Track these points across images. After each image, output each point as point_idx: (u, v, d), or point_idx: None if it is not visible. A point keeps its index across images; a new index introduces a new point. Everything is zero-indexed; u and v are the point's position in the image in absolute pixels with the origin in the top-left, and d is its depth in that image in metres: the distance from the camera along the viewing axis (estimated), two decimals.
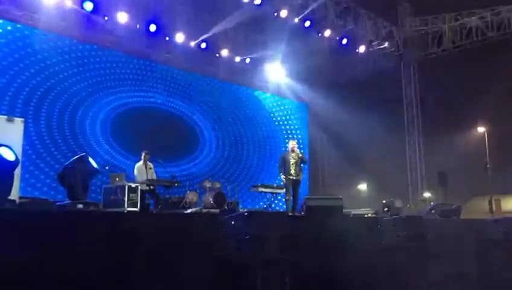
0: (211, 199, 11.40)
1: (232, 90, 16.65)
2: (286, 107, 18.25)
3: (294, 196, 9.44)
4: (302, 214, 7.89)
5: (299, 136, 18.22)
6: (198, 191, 11.92)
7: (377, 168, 17.10)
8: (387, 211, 10.19)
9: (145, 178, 10.17)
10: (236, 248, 5.61)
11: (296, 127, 18.34)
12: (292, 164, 9.38)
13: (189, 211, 10.00)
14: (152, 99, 14.38)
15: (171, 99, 14.90)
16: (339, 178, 18.53)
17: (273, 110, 17.87)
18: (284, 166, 9.48)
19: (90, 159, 7.82)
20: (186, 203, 10.95)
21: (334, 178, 18.81)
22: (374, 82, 16.83)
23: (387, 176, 16.96)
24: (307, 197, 8.08)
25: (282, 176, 9.39)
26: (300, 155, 9.47)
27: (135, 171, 10.40)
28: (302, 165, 9.61)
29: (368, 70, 17.60)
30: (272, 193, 12.25)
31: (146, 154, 10.46)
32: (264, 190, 11.94)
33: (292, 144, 9.62)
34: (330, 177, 19.05)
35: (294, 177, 9.40)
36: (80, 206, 7.14)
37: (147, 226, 5.97)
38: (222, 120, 16.15)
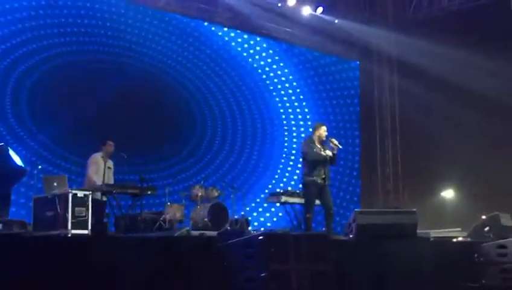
0: (205, 215, 11.48)
1: (229, 41, 16.59)
2: (324, 68, 18.12)
3: (327, 208, 9.52)
4: (350, 238, 7.89)
5: (345, 115, 18.13)
6: (184, 202, 11.98)
7: (472, 163, 16.93)
8: (489, 231, 10.14)
9: (101, 180, 10.28)
10: None
11: (341, 101, 18.25)
12: (319, 161, 9.55)
13: (169, 233, 10.04)
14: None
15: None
16: (410, 180, 18.43)
17: (304, 73, 17.77)
18: (307, 163, 9.61)
19: (12, 153, 7.87)
20: (165, 221, 11.05)
21: (402, 180, 18.72)
22: (471, 19, 16.51)
23: (490, 175, 16.74)
24: (358, 210, 8.12)
25: (310, 178, 9.45)
26: (333, 147, 9.55)
27: (90, 166, 10.50)
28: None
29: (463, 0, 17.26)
30: (303, 205, 12.32)
31: (109, 145, 10.57)
32: (289, 200, 11.96)
33: (322, 130, 9.78)
34: (395, 180, 18.96)
35: (322, 181, 9.54)
36: None
37: (105, 259, 6.01)
38: (214, 92, 16.19)
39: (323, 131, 9.76)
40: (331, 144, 9.63)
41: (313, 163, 9.52)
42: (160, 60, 15.06)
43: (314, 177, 9.42)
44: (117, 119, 13.33)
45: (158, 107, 14.55)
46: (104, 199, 10.22)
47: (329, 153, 9.59)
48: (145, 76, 14.55)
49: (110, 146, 10.62)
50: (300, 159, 10.09)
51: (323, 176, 9.48)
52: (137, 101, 14.07)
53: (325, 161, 9.57)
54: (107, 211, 10.40)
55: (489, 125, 16.41)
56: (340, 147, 9.71)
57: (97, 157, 10.58)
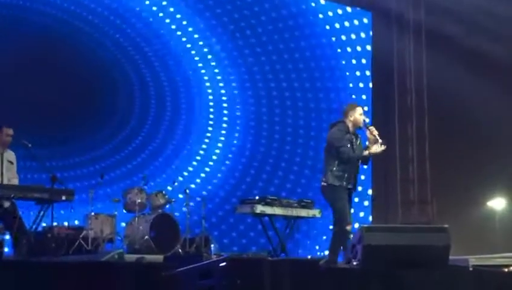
0: (145, 232, 11.57)
1: None
2: (319, 23, 18.10)
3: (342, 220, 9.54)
4: (353, 265, 7.98)
5: (351, 91, 18.14)
6: (116, 213, 12.06)
7: None
8: None
9: None
10: None
11: (345, 71, 18.20)
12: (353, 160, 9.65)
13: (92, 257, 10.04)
14: None
15: None
16: (443, 186, 18.55)
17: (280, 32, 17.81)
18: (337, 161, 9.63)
19: None
20: (87, 240, 11.12)
21: (431, 185, 18.83)
22: None
23: None
24: (365, 226, 8.16)
25: (338, 182, 9.45)
26: (370, 139, 9.55)
27: None
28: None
29: None
30: (288, 219, 12.48)
31: (5, 134, 10.45)
32: (267, 210, 12.07)
33: (358, 112, 9.70)
34: (421, 184, 19.07)
35: (352, 188, 9.63)
36: None
37: None
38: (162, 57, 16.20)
39: (359, 115, 9.62)
40: (368, 135, 9.56)
41: (344, 162, 9.52)
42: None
43: (344, 182, 9.46)
44: (17, 94, 13.41)
45: (77, 75, 14.58)
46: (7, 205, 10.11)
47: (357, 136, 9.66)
48: (55, 31, 14.55)
49: (7, 135, 10.41)
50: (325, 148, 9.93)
51: (354, 181, 9.58)
52: (47, 67, 14.06)
53: (358, 160, 9.66)
54: (1, 224, 10.34)
55: None
56: (380, 141, 9.50)
57: None
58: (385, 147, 9.53)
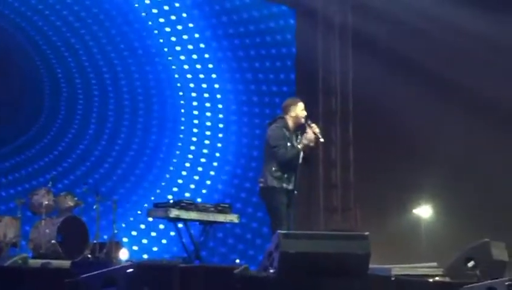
0: (52, 236, 11.48)
1: None
2: (236, 15, 17.95)
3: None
4: (269, 273, 7.97)
5: (271, 91, 18.16)
6: (20, 215, 11.89)
7: (457, 169, 17.33)
8: (474, 268, 10.34)
9: None
10: None
11: (265, 72, 18.19)
12: (293, 159, 9.56)
13: None
14: None
15: None
16: (366, 192, 18.66)
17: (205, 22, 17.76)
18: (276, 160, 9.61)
19: None
20: None
21: (355, 191, 18.94)
22: None
23: (484, 185, 17.21)
24: (282, 232, 8.15)
25: (278, 183, 9.38)
26: (311, 138, 9.49)
27: None
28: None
29: None
30: (204, 224, 12.49)
31: None
32: (182, 215, 12.02)
33: (299, 108, 9.73)
34: (345, 190, 19.16)
35: (292, 188, 9.61)
36: None
37: None
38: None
39: (300, 111, 9.66)
40: (308, 132, 9.54)
41: (284, 162, 9.52)
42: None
43: (284, 184, 9.46)
44: None
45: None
46: None
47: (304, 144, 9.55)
48: None
49: None
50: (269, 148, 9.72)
51: (295, 182, 9.55)
52: None
53: (298, 158, 9.55)
54: None
55: (486, 119, 16.84)
56: (322, 139, 9.63)
57: None
58: (323, 139, 9.66)
